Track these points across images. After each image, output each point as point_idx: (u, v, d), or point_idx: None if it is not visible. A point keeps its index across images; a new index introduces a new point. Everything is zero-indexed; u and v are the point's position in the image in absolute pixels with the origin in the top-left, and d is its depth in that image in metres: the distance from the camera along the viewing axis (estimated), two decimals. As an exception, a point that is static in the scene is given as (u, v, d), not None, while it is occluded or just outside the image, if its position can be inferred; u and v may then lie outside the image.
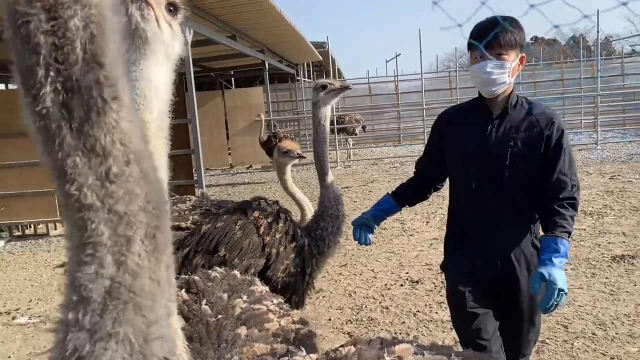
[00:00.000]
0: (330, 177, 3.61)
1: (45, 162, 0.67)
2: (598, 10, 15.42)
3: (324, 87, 3.64)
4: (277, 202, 3.54)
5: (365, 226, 2.92)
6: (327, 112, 3.66)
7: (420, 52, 16.47)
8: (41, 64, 0.62)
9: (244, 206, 3.41)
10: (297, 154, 3.82)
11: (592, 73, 19.43)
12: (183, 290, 1.83)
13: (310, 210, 3.85)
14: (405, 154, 17.14)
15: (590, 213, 8.16)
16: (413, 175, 3.07)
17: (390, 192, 3.02)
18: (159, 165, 0.93)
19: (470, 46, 2.54)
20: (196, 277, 1.90)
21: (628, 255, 6.15)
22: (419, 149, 17.40)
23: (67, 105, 0.63)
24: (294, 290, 3.35)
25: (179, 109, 9.16)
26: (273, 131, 16.02)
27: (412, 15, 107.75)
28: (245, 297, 1.79)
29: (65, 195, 0.66)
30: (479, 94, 2.63)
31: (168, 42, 1.13)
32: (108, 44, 0.65)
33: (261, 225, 3.26)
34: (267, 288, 2.00)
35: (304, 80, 24.51)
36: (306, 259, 3.40)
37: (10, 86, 14.83)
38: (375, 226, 2.99)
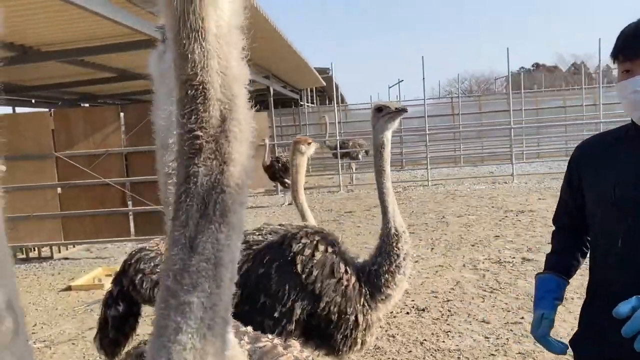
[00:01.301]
0: (391, 211, 3.21)
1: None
2: (600, 39, 15.64)
3: (379, 109, 3.31)
4: (320, 232, 3.23)
5: (549, 328, 2.09)
6: (386, 139, 3.31)
7: (423, 78, 16.66)
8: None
9: (282, 241, 3.13)
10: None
11: (594, 100, 19.57)
12: None
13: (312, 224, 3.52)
14: (408, 179, 17.17)
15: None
16: (555, 232, 2.38)
17: (546, 271, 2.23)
18: None
19: (616, 55, 1.96)
20: None
21: None
22: (421, 174, 17.47)
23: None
24: (331, 336, 3.04)
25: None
26: (276, 155, 16.12)
27: (414, 42, 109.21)
28: None
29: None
30: (632, 120, 2.04)
31: None
32: None
33: (298, 262, 2.99)
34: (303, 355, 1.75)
35: (308, 105, 24.73)
36: (350, 299, 3.02)
37: (17, 110, 14.98)
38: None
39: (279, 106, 23.40)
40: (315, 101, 27.15)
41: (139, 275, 3.34)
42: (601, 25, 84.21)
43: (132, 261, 3.45)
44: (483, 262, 7.25)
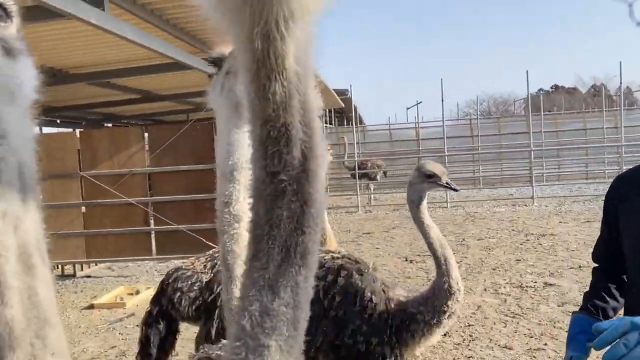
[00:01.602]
0: (446, 263, 3.05)
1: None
2: (620, 63, 15.61)
3: (429, 175, 3.16)
4: (345, 257, 3.12)
5: None
6: (423, 199, 3.19)
7: (442, 100, 16.70)
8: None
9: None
10: (447, 182, 3.25)
11: (615, 123, 19.40)
12: None
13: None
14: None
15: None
16: (594, 269, 2.19)
17: (581, 311, 2.06)
18: None
19: None
20: (220, 352, 1.83)
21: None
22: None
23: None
24: None
25: (207, 153, 9.38)
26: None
27: (433, 63, 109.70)
28: None
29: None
30: None
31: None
32: None
33: (320, 288, 2.91)
34: None
35: (326, 126, 24.89)
36: (378, 329, 2.88)
37: (44, 130, 15.34)
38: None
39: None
40: (333, 122, 27.32)
41: (178, 294, 3.44)
42: (622, 47, 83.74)
43: (170, 280, 3.55)
44: (504, 287, 7.19)
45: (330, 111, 27.73)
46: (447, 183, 3.22)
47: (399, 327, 2.93)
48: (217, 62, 1.55)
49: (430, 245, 3.13)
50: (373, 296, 2.96)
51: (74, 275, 9.48)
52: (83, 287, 8.71)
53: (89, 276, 9.54)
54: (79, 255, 9.30)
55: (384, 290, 3.03)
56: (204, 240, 9.02)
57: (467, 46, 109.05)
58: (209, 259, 3.65)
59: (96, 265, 9.99)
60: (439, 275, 3.05)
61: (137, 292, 7.74)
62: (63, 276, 9.55)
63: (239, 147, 1.50)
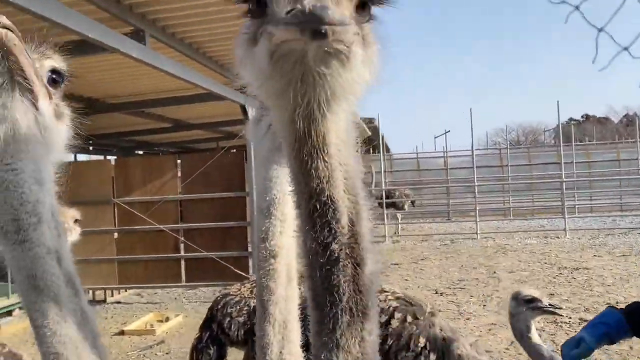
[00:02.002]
0: None
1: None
2: (654, 93, 15.34)
3: (528, 300, 2.96)
4: (403, 298, 3.04)
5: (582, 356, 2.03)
6: (531, 329, 2.94)
7: (472, 129, 16.65)
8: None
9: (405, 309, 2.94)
10: (550, 304, 3.01)
11: (650, 154, 18.97)
12: None
13: None
14: (456, 231, 16.85)
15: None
16: None
17: (617, 308, 2.11)
18: None
19: None
20: None
21: None
22: (469, 226, 17.16)
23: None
24: None
25: (237, 182, 9.50)
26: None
27: (461, 91, 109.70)
28: None
29: None
30: None
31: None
32: None
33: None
34: None
35: (353, 154, 24.93)
36: None
37: (79, 157, 15.77)
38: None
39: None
40: (360, 150, 27.35)
41: (227, 319, 3.52)
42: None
43: (219, 306, 3.64)
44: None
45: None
46: (550, 305, 2.99)
47: None
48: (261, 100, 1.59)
49: None
50: (428, 343, 2.82)
51: (104, 301, 9.60)
52: (113, 313, 8.80)
53: (119, 302, 9.65)
54: (110, 281, 9.43)
55: (444, 339, 2.89)
56: (232, 267, 9.08)
57: (495, 76, 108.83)
58: (254, 284, 3.71)
59: (126, 291, 10.11)
60: None
61: (167, 319, 7.78)
62: (94, 301, 9.67)
63: (278, 183, 1.53)
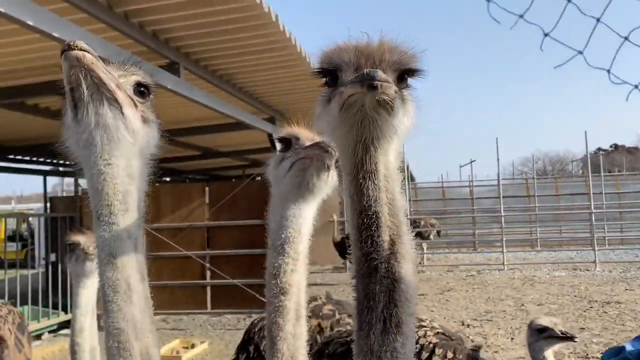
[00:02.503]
0: None
1: None
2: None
3: (540, 330, 3.02)
4: (442, 334, 3.02)
5: None
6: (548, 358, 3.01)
7: (498, 159, 16.57)
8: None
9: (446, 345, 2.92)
10: (562, 332, 3.02)
11: (682, 185, 18.54)
12: None
13: None
14: (482, 262, 16.60)
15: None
16: None
17: None
18: None
19: None
20: None
21: None
22: (496, 257, 16.91)
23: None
24: None
25: (263, 209, 9.60)
26: (347, 232, 16.22)
27: (486, 119, 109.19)
28: None
29: None
30: None
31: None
32: None
33: None
34: None
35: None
36: None
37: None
38: None
39: (350, 183, 23.85)
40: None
41: (264, 342, 3.57)
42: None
43: (256, 329, 3.72)
44: (569, 357, 6.84)
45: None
46: (562, 333, 3.00)
47: None
48: (284, 141, 1.67)
49: None
50: None
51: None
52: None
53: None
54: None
55: None
56: (258, 295, 9.11)
57: (520, 105, 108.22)
58: None
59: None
60: None
61: (193, 346, 7.83)
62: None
63: (294, 222, 1.57)
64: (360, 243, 0.91)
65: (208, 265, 9.58)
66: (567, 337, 3.00)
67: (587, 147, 16.39)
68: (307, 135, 1.62)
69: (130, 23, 5.14)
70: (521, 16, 1.11)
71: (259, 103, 8.84)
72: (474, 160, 21.59)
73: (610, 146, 56.23)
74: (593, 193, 16.15)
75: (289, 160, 1.61)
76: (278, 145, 1.72)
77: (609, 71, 1.07)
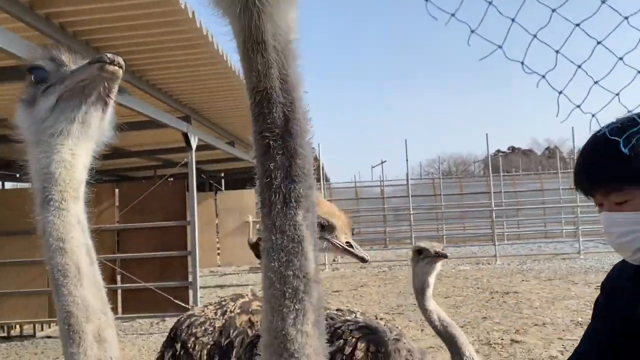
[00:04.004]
0: (462, 341, 2.91)
1: None
2: (573, 127, 16.60)
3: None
4: (366, 327, 2.97)
5: None
6: (427, 283, 3.07)
7: (407, 160, 17.28)
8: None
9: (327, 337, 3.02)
10: (436, 252, 3.09)
11: (570, 184, 20.34)
12: None
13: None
14: (392, 258, 17.25)
15: (580, 323, 8.28)
16: None
17: None
18: None
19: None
20: None
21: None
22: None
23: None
24: None
25: (178, 210, 9.41)
26: (263, 233, 16.20)
27: (396, 122, 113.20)
28: None
29: None
30: None
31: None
32: None
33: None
34: None
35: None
36: None
37: (7, 185, 15.01)
38: None
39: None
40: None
41: (192, 339, 3.49)
42: (575, 111, 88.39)
43: (183, 327, 3.62)
44: (473, 344, 7.22)
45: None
46: (435, 252, 3.08)
47: None
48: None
49: (435, 329, 3.05)
50: None
51: (33, 336, 9.09)
52: (44, 349, 8.36)
53: (49, 337, 9.16)
54: (40, 314, 8.96)
55: None
56: (172, 298, 8.90)
57: (425, 108, 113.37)
58: (218, 306, 3.74)
59: (57, 325, 9.62)
60: (452, 355, 2.95)
61: (102, 353, 7.48)
62: (21, 337, 9.16)
63: (62, 173, 1.23)
64: (254, 121, 0.88)
65: (118, 269, 9.21)
66: (440, 255, 3.08)
67: (488, 149, 17.53)
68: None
69: (35, 14, 4.86)
70: (453, 15, 1.17)
71: (174, 101, 8.64)
72: (385, 161, 22.37)
73: (508, 148, 60.31)
74: (493, 192, 17.33)
75: (47, 100, 1.23)
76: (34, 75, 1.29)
77: (522, 63, 1.18)
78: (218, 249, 18.01)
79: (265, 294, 0.89)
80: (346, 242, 2.10)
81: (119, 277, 9.34)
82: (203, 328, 3.54)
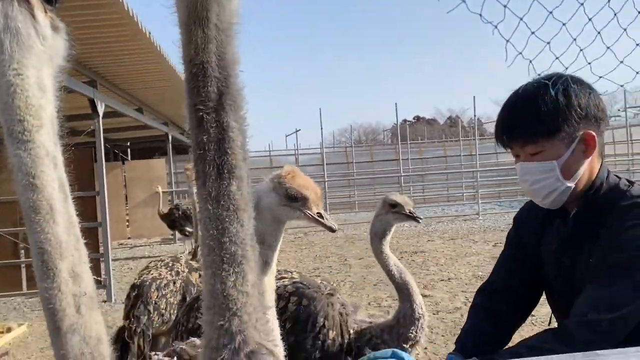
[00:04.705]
0: (414, 290, 2.95)
1: None
2: (474, 97, 17.63)
3: (392, 205, 3.02)
4: (299, 283, 3.04)
5: None
6: (389, 231, 3.08)
7: (322, 128, 17.54)
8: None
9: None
10: (410, 211, 3.01)
11: (470, 151, 21.72)
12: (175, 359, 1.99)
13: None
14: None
15: (480, 277, 9.04)
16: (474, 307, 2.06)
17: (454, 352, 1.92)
18: None
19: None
20: (184, 346, 2.05)
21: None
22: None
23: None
24: None
25: (85, 181, 8.99)
26: (175, 203, 15.85)
27: (309, 93, 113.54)
28: None
29: None
30: None
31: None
32: None
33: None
34: None
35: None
36: (331, 356, 2.78)
37: None
38: None
39: (175, 153, 23.18)
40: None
41: (163, 301, 3.57)
42: (475, 82, 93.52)
43: (152, 289, 3.65)
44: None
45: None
46: (410, 212, 2.98)
47: (357, 355, 2.75)
48: None
49: (389, 273, 3.05)
50: (326, 322, 2.84)
51: None
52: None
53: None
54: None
55: (341, 314, 2.92)
56: (83, 271, 8.57)
57: (340, 78, 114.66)
58: (167, 268, 3.74)
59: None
60: (402, 301, 2.99)
61: (9, 330, 7.11)
62: None
63: None
64: (189, 93, 0.89)
65: (22, 243, 8.68)
66: (413, 217, 3.03)
67: (397, 119, 18.22)
68: None
69: None
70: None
71: (78, 64, 8.15)
72: (299, 130, 22.46)
73: (414, 118, 62.66)
74: (402, 159, 18.11)
75: None
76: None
77: (480, 15, 1.25)
78: (127, 220, 17.42)
79: (206, 260, 0.92)
80: (317, 213, 2.20)
81: (22, 252, 8.81)
82: (169, 289, 3.57)
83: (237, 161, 0.91)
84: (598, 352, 0.91)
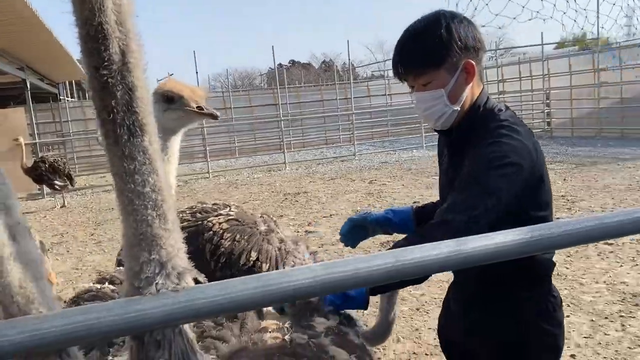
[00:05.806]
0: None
1: None
2: (348, 41, 18.10)
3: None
4: (233, 219, 3.05)
5: (359, 227, 2.32)
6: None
7: (197, 72, 17.00)
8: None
9: (196, 228, 3.01)
10: (199, 107, 2.10)
11: (345, 95, 22.46)
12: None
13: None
14: (188, 173, 17.24)
15: (359, 211, 9.71)
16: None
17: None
18: None
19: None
20: (114, 273, 2.16)
21: (392, 241, 7.63)
22: (200, 166, 17.86)
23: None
24: None
25: None
26: (40, 156, 14.63)
27: (183, 36, 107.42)
28: None
29: None
30: None
31: None
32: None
33: (207, 251, 2.92)
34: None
35: (68, 100, 22.83)
36: None
37: None
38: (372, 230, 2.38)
39: (35, 101, 21.12)
40: (77, 95, 25.11)
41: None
42: (348, 28, 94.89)
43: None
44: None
45: (71, 83, 25.34)
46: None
47: None
48: None
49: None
50: (260, 256, 2.91)
51: None
52: None
53: None
54: None
55: (279, 249, 2.97)
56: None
57: (216, 22, 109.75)
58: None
59: None
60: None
61: None
62: None
63: None
64: (88, 55, 0.86)
65: None
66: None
67: (274, 63, 18.15)
68: None
69: None
70: None
71: None
72: (172, 74, 21.46)
73: (289, 62, 62.58)
74: (280, 104, 18.27)
75: None
76: None
77: None
78: (-16, 177, 15.83)
79: (126, 209, 0.98)
80: (197, 107, 2.13)
81: None
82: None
83: (146, 118, 0.94)
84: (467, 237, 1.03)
